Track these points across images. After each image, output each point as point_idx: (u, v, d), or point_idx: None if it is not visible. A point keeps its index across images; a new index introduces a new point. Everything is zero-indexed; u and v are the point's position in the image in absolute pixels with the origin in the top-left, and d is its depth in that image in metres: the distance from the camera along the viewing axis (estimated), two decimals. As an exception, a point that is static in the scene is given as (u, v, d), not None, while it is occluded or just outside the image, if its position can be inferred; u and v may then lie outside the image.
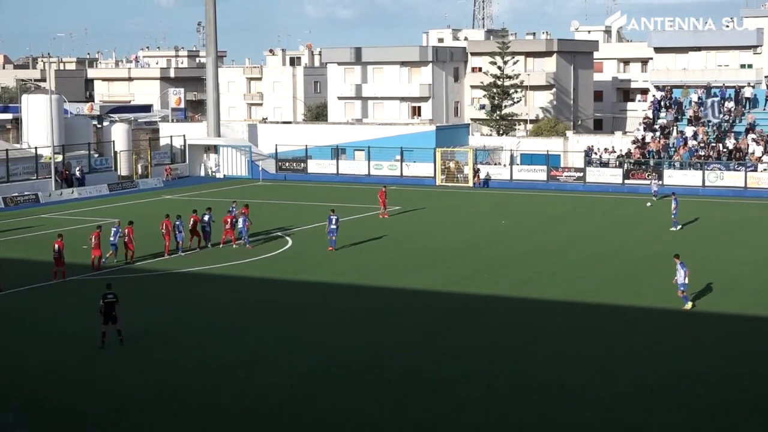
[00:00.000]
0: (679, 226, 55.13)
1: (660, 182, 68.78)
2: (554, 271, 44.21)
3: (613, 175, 75.85)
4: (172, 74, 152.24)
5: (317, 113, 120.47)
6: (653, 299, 38.34)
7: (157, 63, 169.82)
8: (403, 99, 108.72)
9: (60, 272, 43.00)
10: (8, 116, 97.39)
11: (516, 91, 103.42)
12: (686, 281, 36.56)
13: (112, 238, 46.85)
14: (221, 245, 50.29)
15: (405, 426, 25.76)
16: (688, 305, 36.73)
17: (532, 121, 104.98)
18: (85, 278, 43.50)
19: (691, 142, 77.08)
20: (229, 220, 50.66)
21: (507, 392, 28.17)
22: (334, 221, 49.54)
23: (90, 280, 43.10)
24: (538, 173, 78.45)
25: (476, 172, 78.83)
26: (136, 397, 27.83)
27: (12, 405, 27.57)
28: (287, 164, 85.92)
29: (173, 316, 37.37)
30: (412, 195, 72.54)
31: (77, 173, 76.95)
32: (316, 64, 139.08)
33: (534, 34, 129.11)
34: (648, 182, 71.37)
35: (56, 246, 43.03)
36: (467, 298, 39.33)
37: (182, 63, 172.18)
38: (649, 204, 64.17)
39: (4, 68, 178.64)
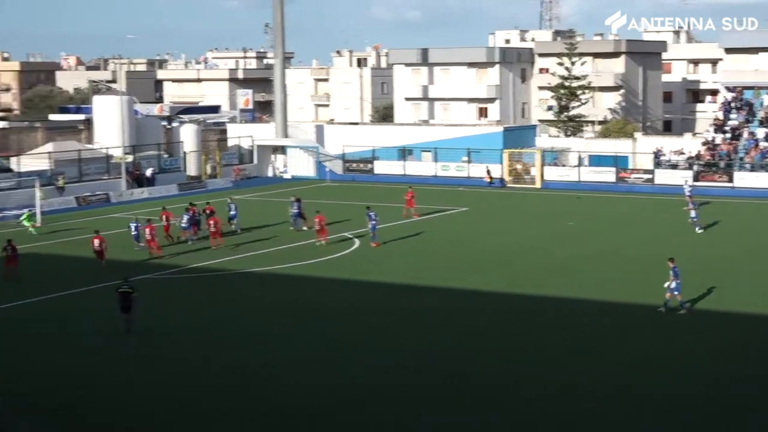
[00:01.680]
0: (699, 229, 54.80)
1: (693, 184, 67.06)
2: (620, 273, 43.86)
3: (682, 177, 74.86)
4: (240, 75, 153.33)
5: (384, 114, 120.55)
6: (721, 301, 37.97)
7: (225, 64, 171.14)
8: (470, 100, 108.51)
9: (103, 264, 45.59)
10: (81, 117, 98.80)
11: (583, 93, 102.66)
12: (672, 285, 35.99)
13: (184, 224, 51.87)
14: (320, 243, 50.77)
15: (455, 428, 25.70)
16: (662, 309, 36.28)
17: (600, 123, 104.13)
18: (157, 277, 44.11)
19: (763, 144, 75.96)
20: (317, 220, 51.23)
21: (555, 393, 27.96)
22: (373, 216, 51.00)
23: (161, 279, 43.81)
24: (606, 175, 77.75)
25: (488, 171, 78.65)
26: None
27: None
28: (354, 165, 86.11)
29: (226, 315, 37.52)
30: (478, 196, 72.41)
31: (148, 173, 77.81)
32: (383, 65, 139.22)
33: (602, 34, 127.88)
34: (682, 183, 69.30)
35: (96, 242, 46.03)
36: (528, 300, 39.25)
37: (250, 64, 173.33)
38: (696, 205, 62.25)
39: (76, 70, 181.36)
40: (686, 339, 33.37)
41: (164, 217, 53.17)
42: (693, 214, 55.22)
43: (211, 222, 51.31)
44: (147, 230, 48.78)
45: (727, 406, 26.98)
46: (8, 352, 33.14)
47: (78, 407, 27.65)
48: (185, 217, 52.78)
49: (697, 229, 54.69)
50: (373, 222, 51.27)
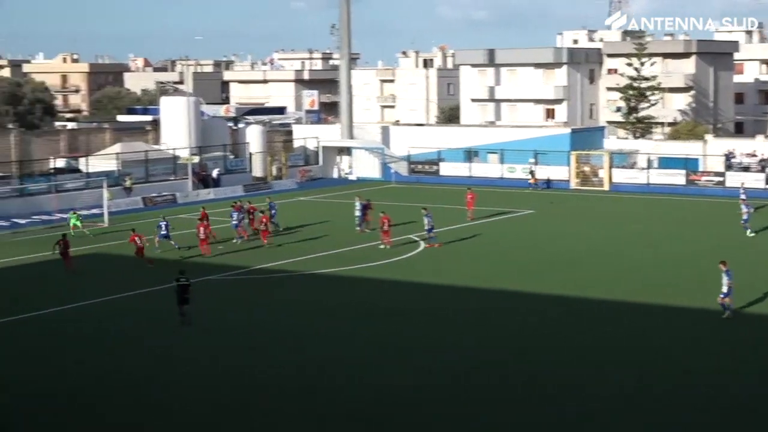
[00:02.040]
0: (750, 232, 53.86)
1: (748, 187, 65.56)
2: (683, 276, 43.32)
3: (755, 180, 73.26)
4: (306, 76, 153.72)
5: (450, 115, 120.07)
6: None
7: (291, 65, 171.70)
8: (537, 101, 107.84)
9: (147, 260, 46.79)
10: (148, 118, 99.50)
11: (653, 93, 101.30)
12: (725, 289, 35.18)
13: (235, 222, 52.74)
14: (384, 246, 50.53)
15: (527, 428, 25.66)
16: (726, 314, 35.53)
17: (669, 124, 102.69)
18: (223, 278, 44.07)
19: (839, 147, 74.21)
20: (385, 221, 50.87)
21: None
22: (431, 218, 51.07)
23: (221, 280, 43.80)
24: (676, 177, 76.38)
25: (532, 172, 78.14)
26: (248, 398, 27.83)
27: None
28: (420, 167, 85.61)
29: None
30: (545, 198, 71.61)
31: (214, 174, 77.97)
32: (449, 65, 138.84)
33: (672, 34, 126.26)
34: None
35: (136, 239, 46.81)
36: (578, 302, 38.89)
37: (316, 65, 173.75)
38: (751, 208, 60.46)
39: (144, 71, 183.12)
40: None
41: (204, 216, 53.23)
42: (745, 216, 54.34)
43: (264, 220, 52.13)
44: (201, 229, 49.50)
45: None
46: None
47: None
48: (234, 215, 53.24)
49: (748, 232, 53.81)
50: (431, 224, 51.15)
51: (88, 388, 29.21)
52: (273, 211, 56.11)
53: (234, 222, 53.11)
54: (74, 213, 57.34)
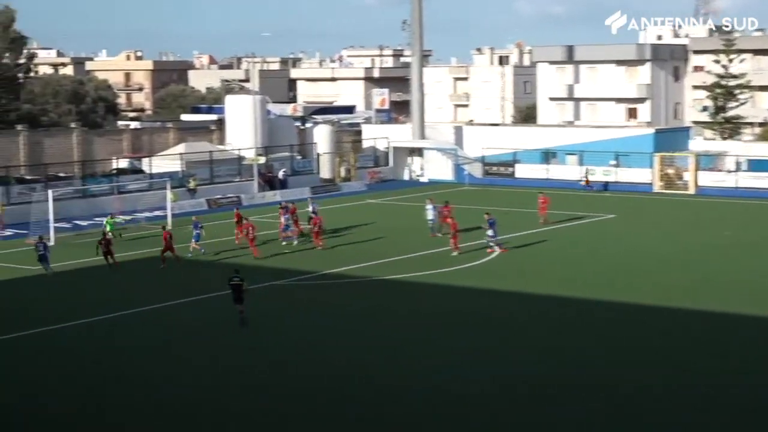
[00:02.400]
0: None
1: None
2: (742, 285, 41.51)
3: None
4: (376, 74, 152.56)
5: (527, 115, 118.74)
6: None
7: (361, 62, 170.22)
8: (618, 100, 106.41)
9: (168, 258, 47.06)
10: (213, 117, 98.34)
11: (742, 92, 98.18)
12: None
13: (284, 224, 52.77)
14: (455, 253, 48.65)
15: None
16: None
17: (760, 125, 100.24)
18: (290, 283, 43.25)
19: None
20: (454, 227, 49.95)
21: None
22: (493, 224, 49.73)
23: (296, 286, 42.86)
24: (766, 181, 73.04)
25: (587, 174, 76.40)
26: (307, 405, 27.54)
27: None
28: (494, 168, 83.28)
29: (348, 324, 36.92)
30: (627, 202, 69.37)
31: (280, 175, 76.27)
32: (526, 63, 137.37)
33: (763, 29, 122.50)
34: None
35: (168, 237, 47.19)
36: (671, 313, 37.37)
37: (387, 62, 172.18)
38: None
39: (209, 69, 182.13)
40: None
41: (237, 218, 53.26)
42: None
43: (315, 222, 51.89)
44: (248, 229, 49.33)
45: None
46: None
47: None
48: (284, 219, 53.00)
49: None
50: (494, 230, 49.64)
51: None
52: (311, 214, 55.29)
53: (285, 225, 52.80)
54: (111, 217, 55.74)
